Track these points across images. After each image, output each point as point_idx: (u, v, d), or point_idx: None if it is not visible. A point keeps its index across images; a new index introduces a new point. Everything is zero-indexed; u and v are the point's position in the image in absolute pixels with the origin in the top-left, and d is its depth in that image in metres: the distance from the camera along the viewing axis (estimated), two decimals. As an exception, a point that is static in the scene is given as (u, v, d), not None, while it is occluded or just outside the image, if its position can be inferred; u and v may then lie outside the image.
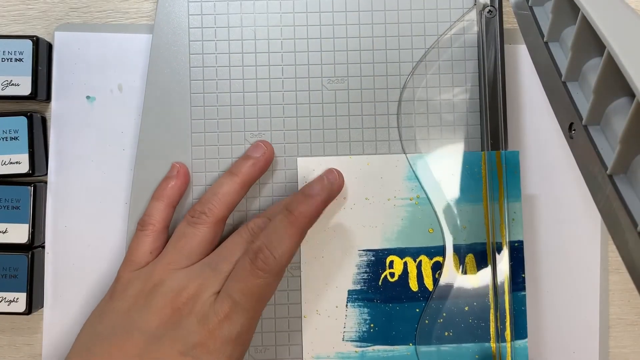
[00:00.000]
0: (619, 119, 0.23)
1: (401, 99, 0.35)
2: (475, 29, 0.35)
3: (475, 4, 0.35)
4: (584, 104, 0.24)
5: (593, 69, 0.24)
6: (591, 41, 0.23)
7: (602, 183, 0.23)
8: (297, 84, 0.35)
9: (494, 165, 0.34)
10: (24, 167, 0.34)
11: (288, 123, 0.35)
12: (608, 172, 0.22)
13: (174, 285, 0.30)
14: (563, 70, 0.26)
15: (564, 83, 0.26)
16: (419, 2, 0.35)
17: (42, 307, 0.35)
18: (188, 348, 0.28)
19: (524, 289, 0.34)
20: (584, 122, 0.24)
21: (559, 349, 0.35)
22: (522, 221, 0.34)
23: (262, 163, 0.33)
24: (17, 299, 0.34)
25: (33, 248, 0.34)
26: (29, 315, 0.34)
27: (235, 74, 0.35)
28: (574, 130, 0.25)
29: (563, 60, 0.26)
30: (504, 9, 0.35)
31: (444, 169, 0.35)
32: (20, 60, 0.34)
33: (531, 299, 0.35)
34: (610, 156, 0.23)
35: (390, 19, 0.35)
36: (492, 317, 0.34)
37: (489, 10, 0.35)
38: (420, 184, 0.34)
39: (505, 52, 0.35)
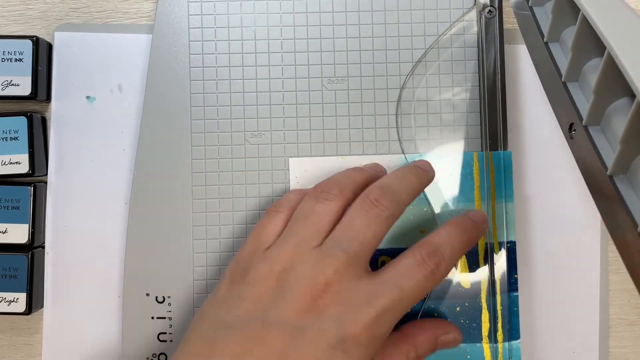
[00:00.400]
0: (619, 120, 0.23)
1: (400, 99, 0.35)
2: (475, 29, 0.35)
3: (475, 4, 0.35)
4: (584, 105, 0.24)
5: (593, 69, 0.24)
6: (591, 42, 0.23)
7: (602, 183, 0.23)
8: (297, 84, 0.35)
9: (487, 165, 0.34)
10: (24, 167, 0.34)
11: (288, 123, 0.35)
12: (608, 172, 0.22)
13: (306, 270, 0.26)
14: (563, 71, 0.26)
15: (564, 83, 0.26)
16: (418, 2, 0.35)
17: (42, 307, 0.35)
18: (338, 341, 0.25)
19: (516, 289, 0.34)
20: (584, 122, 0.24)
21: (559, 349, 0.35)
22: (514, 222, 0.34)
23: (380, 174, 0.33)
24: (17, 299, 0.34)
25: (33, 248, 0.34)
26: (29, 316, 0.34)
27: (235, 74, 0.35)
28: (574, 130, 0.25)
29: (563, 60, 0.26)
30: (504, 9, 0.35)
31: (442, 169, 0.35)
32: (20, 60, 0.34)
33: (531, 299, 0.35)
34: (610, 156, 0.22)
35: (390, 19, 0.35)
36: (484, 318, 0.34)
37: (489, 11, 0.35)
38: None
39: (505, 52, 0.35)
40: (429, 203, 0.34)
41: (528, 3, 0.29)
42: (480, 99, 0.35)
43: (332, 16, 0.35)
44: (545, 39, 0.27)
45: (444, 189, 0.34)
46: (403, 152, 0.35)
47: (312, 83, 0.35)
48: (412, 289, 0.27)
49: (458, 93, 0.35)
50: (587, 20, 0.23)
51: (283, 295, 0.26)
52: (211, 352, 0.25)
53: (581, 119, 0.24)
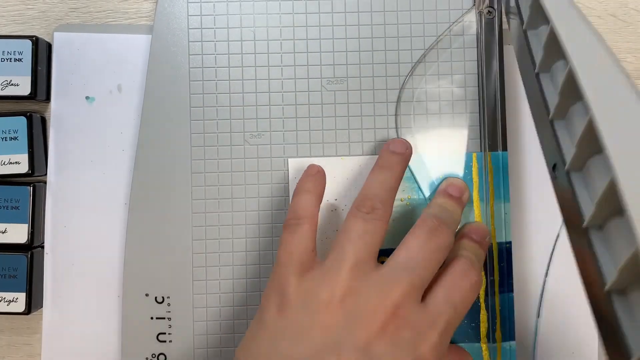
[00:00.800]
0: (598, 176, 0.22)
1: (400, 100, 0.35)
2: (474, 29, 0.35)
3: (474, 5, 0.35)
4: (569, 148, 0.23)
5: (579, 113, 0.24)
6: (578, 90, 0.22)
7: (578, 232, 0.22)
8: (296, 85, 0.35)
9: (485, 166, 0.34)
10: (23, 167, 0.34)
11: (287, 124, 0.35)
12: (584, 225, 0.22)
13: (373, 295, 0.26)
14: (551, 108, 0.25)
15: (551, 121, 0.25)
16: (418, 3, 0.35)
17: (42, 307, 0.35)
18: None
19: (512, 290, 0.34)
20: (566, 167, 0.23)
21: (558, 350, 0.35)
22: (509, 222, 0.34)
23: (407, 157, 0.32)
24: (17, 299, 0.34)
25: (32, 248, 0.34)
26: (29, 315, 0.34)
27: (234, 75, 0.35)
28: (558, 171, 0.24)
29: (552, 95, 0.25)
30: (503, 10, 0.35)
31: (442, 169, 0.35)
32: (20, 60, 0.34)
33: (530, 300, 0.35)
34: (589, 208, 0.22)
35: (389, 19, 0.35)
36: (482, 318, 0.34)
37: (488, 11, 0.35)
38: (417, 184, 0.34)
39: (504, 52, 0.35)
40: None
41: (522, 26, 0.28)
42: (479, 99, 0.35)
43: (332, 17, 0.35)
44: (536, 70, 0.27)
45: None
46: (402, 153, 0.35)
47: (311, 84, 0.35)
48: (463, 303, 0.28)
49: (457, 94, 0.35)
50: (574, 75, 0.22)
51: (351, 322, 0.25)
52: None
53: (564, 163, 0.23)
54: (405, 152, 0.32)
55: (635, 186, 0.18)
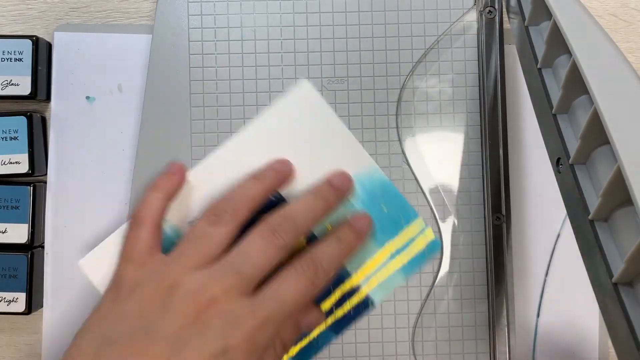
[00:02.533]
0: (603, 168, 0.22)
1: (400, 100, 0.35)
2: (475, 29, 0.35)
3: (475, 4, 0.35)
4: (572, 141, 0.24)
5: (582, 107, 0.24)
6: (582, 83, 0.22)
7: (584, 226, 0.22)
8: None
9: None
10: (23, 167, 0.34)
11: (288, 123, 0.35)
12: (589, 217, 0.22)
13: (195, 287, 0.28)
14: (554, 102, 0.25)
15: (554, 116, 0.25)
16: (418, 2, 0.35)
17: (42, 307, 0.35)
18: (220, 351, 0.26)
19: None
20: (570, 160, 0.23)
21: (558, 350, 0.35)
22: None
23: (284, 176, 0.32)
24: (17, 298, 0.34)
25: (32, 248, 0.34)
26: (29, 315, 0.34)
27: (234, 75, 0.35)
28: (561, 165, 0.24)
29: (555, 90, 0.25)
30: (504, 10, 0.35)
31: (442, 169, 0.35)
32: (20, 60, 0.34)
33: (530, 300, 0.35)
34: (593, 201, 0.22)
35: (390, 19, 0.35)
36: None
37: (489, 11, 0.35)
38: (418, 185, 0.34)
39: (505, 52, 0.35)
40: (429, 205, 0.34)
41: (524, 23, 0.28)
42: (480, 99, 0.35)
43: (332, 16, 0.35)
44: (538, 65, 0.26)
45: (444, 191, 0.34)
46: (403, 152, 0.35)
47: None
48: (293, 298, 0.28)
49: (458, 93, 0.35)
50: (577, 67, 0.22)
51: (168, 310, 0.27)
52: None
53: (568, 156, 0.23)
54: (283, 171, 0.32)
55: None
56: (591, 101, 0.21)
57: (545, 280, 0.35)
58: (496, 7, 0.35)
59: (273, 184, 0.32)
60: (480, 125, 0.35)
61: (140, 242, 0.30)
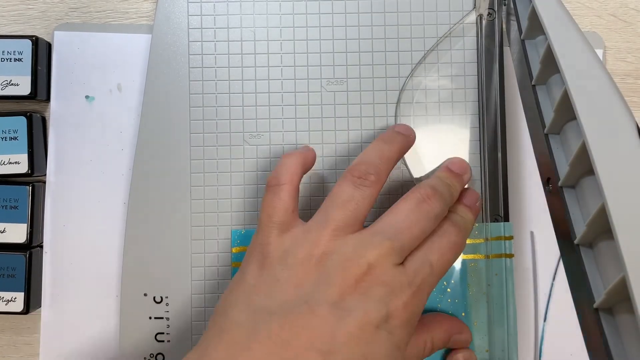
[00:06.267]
0: (590, 196, 0.22)
1: (400, 101, 0.35)
2: (475, 31, 0.35)
3: (474, 7, 0.35)
4: (563, 164, 0.24)
5: (574, 131, 0.24)
6: (573, 112, 0.22)
7: (570, 249, 0.22)
8: (296, 86, 0.35)
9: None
10: (23, 168, 0.34)
11: (287, 124, 0.35)
12: (575, 241, 0.22)
13: (349, 254, 0.26)
14: (547, 122, 0.25)
15: (546, 135, 0.25)
16: (418, 4, 0.35)
17: (40, 306, 0.35)
18: (381, 320, 0.25)
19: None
20: (560, 183, 0.23)
21: (557, 350, 0.35)
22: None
23: (412, 140, 0.32)
24: (15, 298, 0.34)
25: (31, 248, 0.34)
26: (28, 315, 0.34)
27: (234, 75, 0.35)
28: (551, 185, 0.24)
29: (548, 109, 0.25)
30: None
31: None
32: (20, 60, 0.34)
33: (528, 301, 0.35)
34: (580, 226, 0.22)
35: (389, 21, 0.35)
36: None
37: (489, 13, 0.35)
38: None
39: (504, 54, 0.35)
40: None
41: (520, 36, 0.28)
42: (479, 101, 0.35)
43: (332, 17, 0.35)
44: (533, 82, 0.26)
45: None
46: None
47: (311, 84, 0.35)
48: (440, 261, 0.28)
49: (457, 95, 0.35)
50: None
51: (325, 278, 0.26)
52: (256, 339, 0.25)
53: (558, 178, 0.23)
54: (410, 135, 0.32)
55: (625, 214, 0.19)
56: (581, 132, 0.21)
57: (552, 284, 0.35)
58: (496, 9, 0.34)
59: (403, 146, 0.31)
60: (479, 128, 0.35)
61: (282, 205, 0.28)
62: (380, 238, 0.27)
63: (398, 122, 0.35)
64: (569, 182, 0.23)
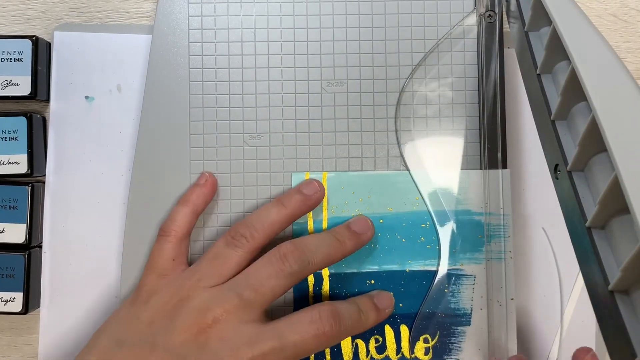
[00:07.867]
0: (601, 175, 0.22)
1: (400, 103, 0.35)
2: (475, 33, 0.35)
3: (475, 9, 0.35)
4: (571, 148, 0.24)
5: (581, 113, 0.24)
6: (581, 90, 0.22)
7: (581, 233, 0.22)
8: (296, 87, 0.35)
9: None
10: (22, 168, 0.34)
11: (287, 125, 0.35)
12: (587, 224, 0.22)
13: (200, 304, 0.29)
14: (553, 108, 0.25)
15: (553, 122, 0.25)
16: (418, 5, 0.35)
17: (39, 306, 0.35)
18: None
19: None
20: (568, 167, 0.23)
21: (556, 351, 0.35)
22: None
23: (312, 202, 0.33)
24: (14, 298, 0.34)
25: (30, 248, 0.34)
26: (28, 315, 0.34)
27: (234, 76, 0.35)
28: (559, 171, 0.24)
29: (554, 95, 0.25)
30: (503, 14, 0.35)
31: (441, 173, 0.34)
32: (20, 60, 0.34)
33: (528, 301, 0.35)
34: (591, 208, 0.22)
35: (390, 22, 0.35)
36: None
37: (489, 15, 0.34)
38: (417, 189, 0.34)
39: (505, 55, 0.34)
40: (427, 209, 0.34)
41: (524, 28, 0.28)
42: (479, 102, 0.35)
43: (332, 19, 0.35)
44: (538, 71, 0.26)
45: (443, 195, 0.34)
46: (402, 156, 0.35)
47: (311, 85, 0.35)
48: (295, 342, 0.28)
49: (457, 97, 0.35)
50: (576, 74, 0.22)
51: (173, 322, 0.28)
52: None
53: (566, 163, 0.23)
54: (312, 196, 0.33)
55: (639, 183, 0.19)
56: (590, 108, 0.21)
57: (543, 287, 0.35)
58: (496, 11, 0.34)
59: (297, 210, 0.32)
60: (479, 129, 0.35)
61: (164, 254, 0.32)
62: (230, 292, 0.29)
63: (398, 123, 0.35)
64: (578, 165, 0.23)
